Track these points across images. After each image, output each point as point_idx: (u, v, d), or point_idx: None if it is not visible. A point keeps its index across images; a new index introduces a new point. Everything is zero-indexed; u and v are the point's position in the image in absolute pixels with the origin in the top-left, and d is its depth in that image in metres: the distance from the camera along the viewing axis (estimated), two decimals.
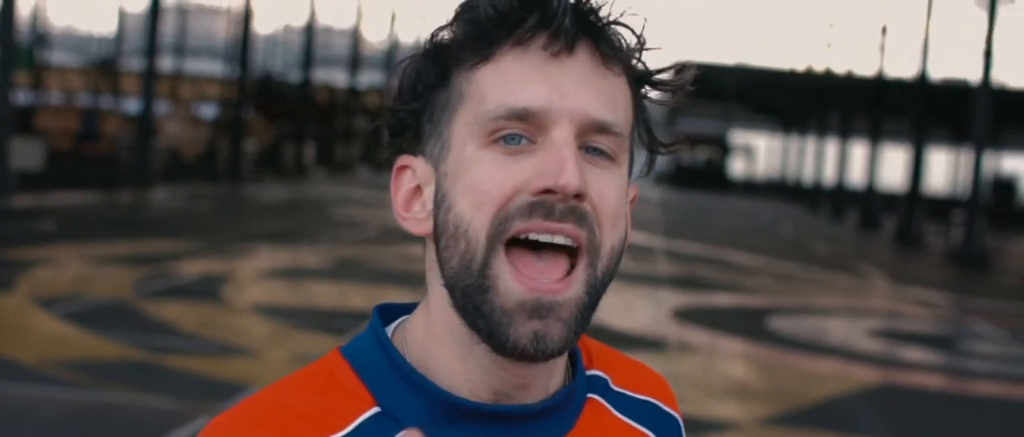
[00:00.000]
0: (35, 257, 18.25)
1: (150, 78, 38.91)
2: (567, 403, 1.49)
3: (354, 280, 18.70)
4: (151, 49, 39.13)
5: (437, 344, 1.44)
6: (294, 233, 25.93)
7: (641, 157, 1.52)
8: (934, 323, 20.72)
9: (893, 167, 62.98)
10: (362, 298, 16.93)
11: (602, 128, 1.40)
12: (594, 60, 1.42)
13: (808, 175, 76.63)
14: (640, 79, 1.47)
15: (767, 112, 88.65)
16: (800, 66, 69.26)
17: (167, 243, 21.76)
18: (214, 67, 69.96)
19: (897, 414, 12.50)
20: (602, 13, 1.43)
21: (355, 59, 71.31)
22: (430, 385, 1.42)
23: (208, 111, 59.59)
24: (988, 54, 34.01)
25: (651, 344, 14.77)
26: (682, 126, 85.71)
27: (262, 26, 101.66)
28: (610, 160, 1.41)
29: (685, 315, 17.60)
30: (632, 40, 1.45)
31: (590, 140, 1.40)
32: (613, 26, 1.44)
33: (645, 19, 1.45)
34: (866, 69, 61.18)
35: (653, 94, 1.49)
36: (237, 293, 16.57)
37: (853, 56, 69.07)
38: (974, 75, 37.88)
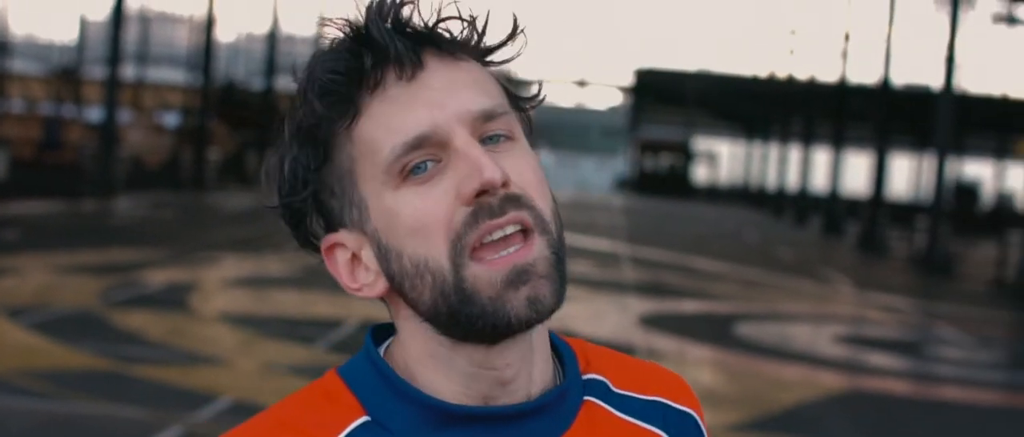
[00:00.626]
0: (0, 267, 18.17)
1: (113, 86, 38.75)
2: (559, 404, 1.51)
3: (320, 288, 18.64)
4: (114, 57, 38.97)
5: (419, 367, 1.49)
6: (259, 241, 25.86)
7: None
8: (900, 328, 20.79)
9: (856, 173, 63.20)
10: (328, 306, 16.88)
11: (488, 116, 1.44)
12: (445, 62, 1.46)
13: (771, 181, 76.86)
14: (485, 54, 1.51)
15: (730, 118, 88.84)
16: (763, 72, 69.44)
17: (132, 252, 21.68)
18: (176, 75, 69.65)
19: (865, 420, 12.54)
20: (424, 19, 1.47)
21: None
22: (417, 392, 1.46)
23: (171, 119, 59.33)
24: (950, 60, 34.18)
25: (619, 351, 14.76)
26: (645, 133, 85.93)
27: (224, 34, 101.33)
28: (509, 139, 1.46)
29: (652, 322, 17.63)
30: (458, 26, 1.49)
31: (484, 131, 1.44)
32: (439, 25, 1.48)
33: (453, 2, 1.49)
34: (829, 75, 61.41)
35: (498, 57, 1.52)
36: (204, 302, 16.52)
37: (816, 62, 69.28)
38: (936, 81, 38.05)
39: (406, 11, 1.46)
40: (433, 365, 1.47)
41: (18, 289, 16.34)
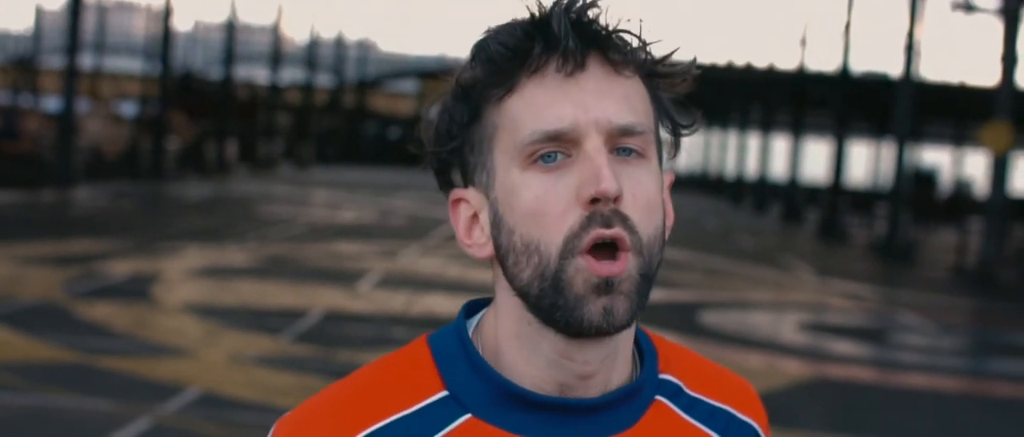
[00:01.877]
0: None
1: (71, 76, 38.54)
2: (628, 400, 1.59)
3: (283, 278, 18.62)
4: (72, 46, 38.76)
5: (506, 345, 1.57)
6: (220, 231, 25.78)
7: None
8: (863, 316, 20.88)
9: (815, 160, 63.40)
10: (293, 296, 16.84)
11: (626, 131, 1.52)
12: (606, 70, 1.54)
13: (730, 169, 77.03)
14: (651, 74, 1.59)
15: (688, 106, 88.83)
16: (721, 60, 69.50)
17: (93, 243, 21.57)
18: (133, 64, 69.43)
19: (831, 407, 12.59)
20: (602, 24, 1.54)
21: (276, 56, 71.00)
22: (496, 374, 1.56)
23: (129, 109, 59.04)
24: (910, 48, 34.32)
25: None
26: None
27: (181, 23, 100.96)
28: (640, 157, 1.54)
29: None
30: (635, 41, 1.56)
31: (619, 143, 1.52)
32: (616, 33, 1.55)
33: (641, 20, 1.57)
34: (788, 63, 61.58)
35: (664, 83, 1.60)
36: (168, 293, 16.45)
37: (774, 50, 69.54)
38: (895, 68, 38.22)
39: (591, 11, 1.54)
40: (519, 346, 1.56)
41: None
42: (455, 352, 1.59)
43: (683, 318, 17.68)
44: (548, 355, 1.54)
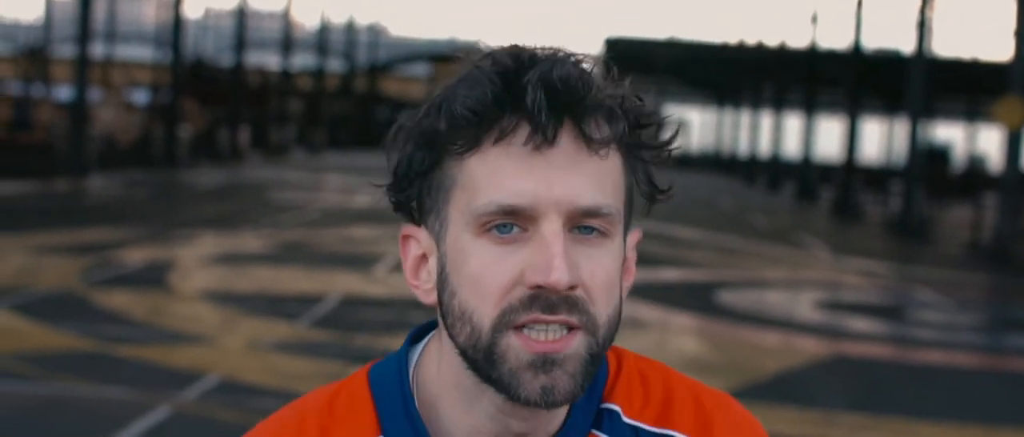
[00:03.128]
0: None
1: (83, 65, 38.55)
2: None
3: (300, 264, 18.61)
4: (83, 35, 38.77)
5: (445, 393, 1.54)
6: (235, 218, 25.79)
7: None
8: (879, 293, 20.84)
9: (828, 138, 63.32)
10: (309, 282, 16.84)
11: (590, 213, 1.45)
12: (578, 145, 1.45)
13: (743, 148, 76.94)
14: (631, 146, 1.52)
15: (701, 86, 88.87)
16: (733, 39, 69.41)
17: (109, 231, 21.58)
18: (144, 52, 69.40)
19: (850, 385, 12.56)
20: (582, 92, 1.46)
21: (287, 42, 71.01)
22: (424, 432, 1.54)
23: (140, 97, 59.05)
24: (922, 24, 34.23)
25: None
26: None
27: (192, 10, 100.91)
28: (603, 236, 1.47)
29: (633, 291, 17.30)
30: (616, 112, 1.48)
31: (581, 222, 1.45)
32: (595, 105, 1.47)
33: (626, 87, 1.50)
34: (799, 41, 61.47)
35: (644, 154, 1.54)
36: (184, 280, 16.45)
37: (786, 28, 69.35)
38: (906, 45, 38.11)
39: (571, 79, 1.45)
40: (458, 396, 1.52)
41: None
42: (394, 394, 1.57)
43: (700, 298, 17.66)
44: (486, 409, 1.51)
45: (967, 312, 19.14)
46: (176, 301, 14.94)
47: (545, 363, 1.43)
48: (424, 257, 1.54)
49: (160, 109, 51.26)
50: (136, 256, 18.47)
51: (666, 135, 1.56)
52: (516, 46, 1.49)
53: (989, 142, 68.34)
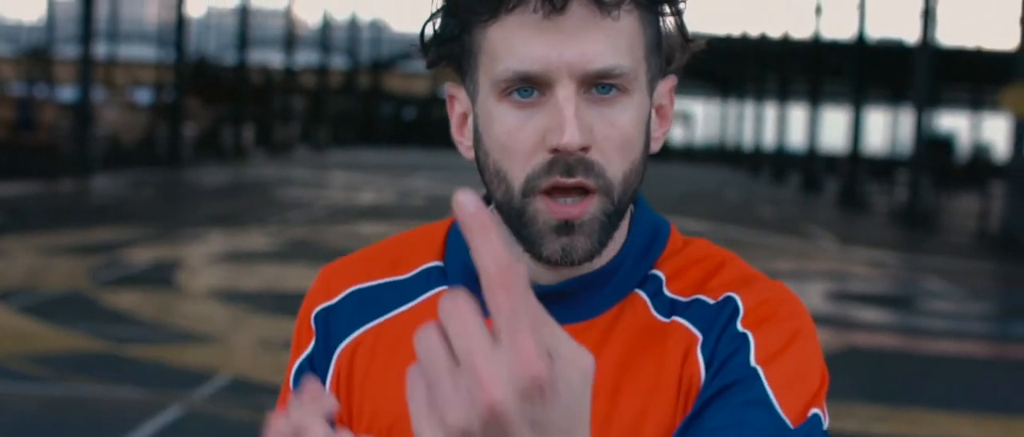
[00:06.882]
0: None
1: (87, 64, 38.51)
2: (600, 289, 1.63)
3: (308, 261, 18.57)
4: (86, 35, 38.73)
5: None
6: (241, 216, 25.76)
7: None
8: (888, 283, 20.79)
9: (832, 129, 63.27)
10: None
11: (603, 75, 1.51)
12: (589, 9, 1.50)
13: (748, 140, 76.91)
14: (650, 4, 1.56)
15: (704, 78, 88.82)
16: (736, 31, 69.38)
17: (115, 231, 21.55)
18: (146, 52, 69.42)
19: (862, 376, 12.51)
20: None
21: (290, 39, 71.02)
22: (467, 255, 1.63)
23: (144, 96, 59.05)
24: (927, 13, 34.16)
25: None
26: None
27: (194, 8, 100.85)
28: (621, 92, 1.53)
29: None
30: None
31: (597, 81, 1.52)
32: None
33: None
34: (802, 32, 61.42)
35: (665, 10, 1.59)
36: (192, 279, 16.42)
37: (789, 19, 69.39)
38: (910, 34, 38.05)
39: None
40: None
41: (5, 272, 16.21)
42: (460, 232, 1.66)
43: None
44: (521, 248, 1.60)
45: (977, 301, 19.09)
46: (185, 300, 14.91)
47: (567, 226, 1.53)
48: (465, 115, 1.65)
49: (164, 108, 51.25)
50: (143, 256, 18.44)
51: None
52: None
53: (994, 131, 68.38)
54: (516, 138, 1.52)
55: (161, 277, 16.39)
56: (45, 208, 26.56)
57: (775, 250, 24.29)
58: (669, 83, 1.64)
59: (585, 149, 1.51)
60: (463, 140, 1.65)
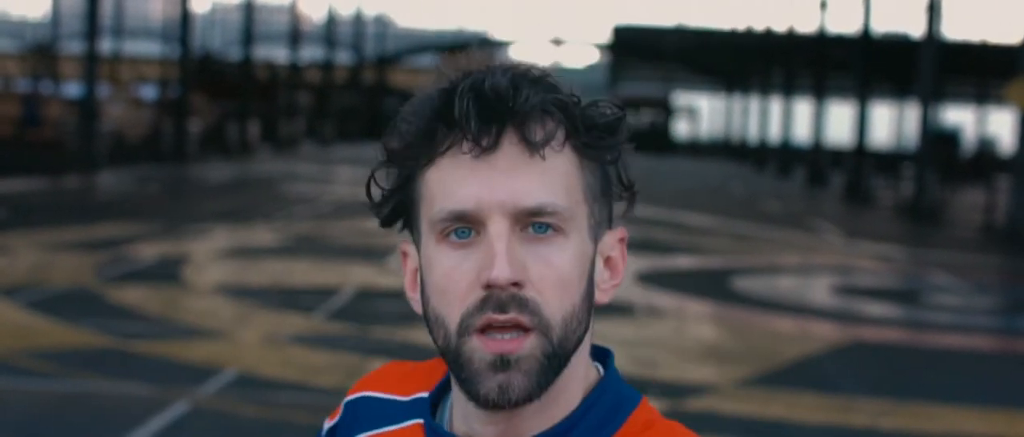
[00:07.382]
0: None
1: (92, 61, 38.52)
2: None
3: (314, 256, 18.60)
4: (91, 31, 38.73)
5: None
6: (247, 211, 25.77)
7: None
8: (894, 277, 20.79)
9: (837, 123, 63.22)
10: (324, 274, 16.81)
11: (535, 212, 1.49)
12: (520, 148, 1.50)
13: (753, 134, 76.87)
14: (583, 146, 1.54)
15: (709, 72, 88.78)
16: (741, 25, 69.34)
17: (121, 227, 21.56)
18: (152, 48, 69.42)
19: (868, 370, 12.51)
20: (510, 102, 1.50)
21: (295, 35, 71.00)
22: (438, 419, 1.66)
23: (149, 92, 59.07)
24: (932, 7, 34.14)
25: (619, 309, 14.67)
26: (624, 90, 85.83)
27: (199, 4, 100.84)
28: (557, 232, 1.51)
29: (649, 279, 17.55)
30: (554, 114, 1.52)
31: (531, 221, 1.50)
32: (536, 109, 1.51)
33: (563, 91, 1.53)
34: (808, 26, 61.38)
35: (598, 154, 1.56)
36: (198, 274, 16.43)
37: (794, 13, 69.19)
38: (915, 28, 38.02)
39: (499, 88, 1.50)
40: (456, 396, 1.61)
41: (10, 268, 16.22)
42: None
43: (715, 284, 17.63)
44: (471, 414, 1.58)
45: (983, 295, 19.09)
46: (191, 296, 14.91)
47: (503, 362, 1.49)
48: (416, 271, 1.60)
49: (169, 104, 51.27)
50: (149, 251, 18.45)
51: (618, 135, 1.56)
52: (471, 58, 1.55)
53: (999, 125, 68.25)
54: (452, 279, 1.51)
55: (167, 273, 16.40)
56: (50, 204, 26.58)
57: (781, 244, 24.28)
58: (618, 234, 1.61)
59: (517, 285, 1.48)
60: (414, 296, 1.61)
